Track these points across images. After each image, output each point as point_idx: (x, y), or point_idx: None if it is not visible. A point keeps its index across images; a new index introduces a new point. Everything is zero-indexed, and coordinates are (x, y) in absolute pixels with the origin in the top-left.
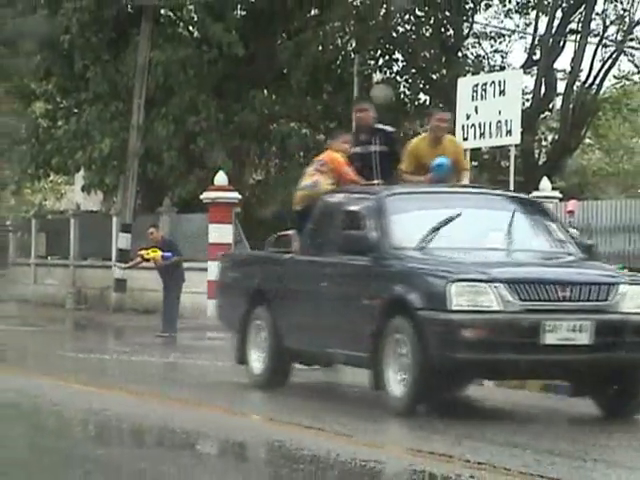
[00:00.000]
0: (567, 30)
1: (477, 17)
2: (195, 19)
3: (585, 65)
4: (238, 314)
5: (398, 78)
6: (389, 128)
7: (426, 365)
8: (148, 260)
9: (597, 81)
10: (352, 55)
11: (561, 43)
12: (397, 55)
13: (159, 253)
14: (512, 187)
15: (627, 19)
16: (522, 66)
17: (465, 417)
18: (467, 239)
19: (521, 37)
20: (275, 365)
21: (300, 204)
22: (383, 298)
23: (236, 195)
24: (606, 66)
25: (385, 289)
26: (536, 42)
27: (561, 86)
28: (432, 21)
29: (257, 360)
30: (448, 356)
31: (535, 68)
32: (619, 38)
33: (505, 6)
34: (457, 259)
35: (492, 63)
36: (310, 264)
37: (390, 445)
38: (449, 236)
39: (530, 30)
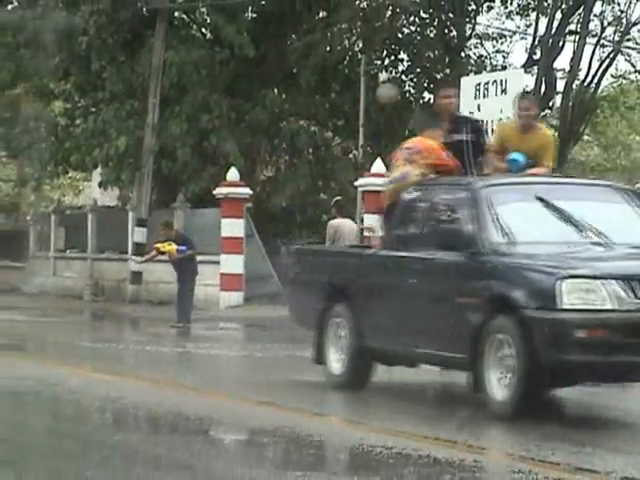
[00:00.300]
0: (566, 31)
1: (479, 19)
2: (208, 21)
3: (584, 64)
4: (314, 312)
5: (403, 77)
6: (473, 117)
7: (533, 367)
8: (163, 253)
9: (595, 80)
10: (359, 55)
11: (560, 43)
12: (402, 55)
13: (174, 247)
14: None
15: (624, 20)
16: (523, 66)
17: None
18: (568, 233)
19: (522, 38)
20: (356, 365)
21: (390, 199)
22: (483, 296)
23: (247, 191)
24: (604, 65)
25: (485, 287)
26: (536, 42)
27: (560, 85)
28: (436, 22)
29: (336, 360)
30: (558, 358)
31: (535, 67)
32: (616, 39)
33: (506, 8)
34: (565, 254)
35: (494, 63)
36: (397, 260)
37: (494, 450)
38: (549, 229)
39: (530, 31)
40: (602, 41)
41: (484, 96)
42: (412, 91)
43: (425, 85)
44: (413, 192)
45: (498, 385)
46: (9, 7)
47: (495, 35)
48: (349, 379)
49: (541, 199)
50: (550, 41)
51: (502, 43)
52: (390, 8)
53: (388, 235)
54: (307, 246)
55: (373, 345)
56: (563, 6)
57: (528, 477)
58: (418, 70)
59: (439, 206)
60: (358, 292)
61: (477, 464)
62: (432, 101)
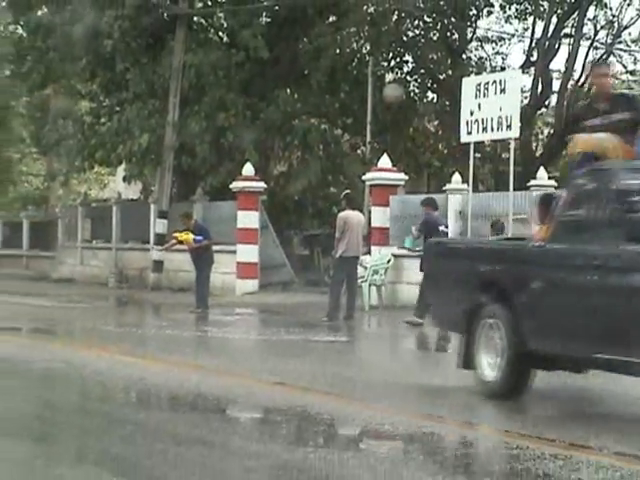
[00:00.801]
0: (561, 34)
1: (480, 22)
2: (225, 25)
3: (578, 66)
4: (462, 312)
5: (408, 78)
6: (630, 93)
7: None
8: (182, 242)
9: (589, 80)
10: (366, 57)
11: (556, 46)
12: (407, 57)
13: (191, 236)
14: (512, 177)
15: (616, 24)
16: (521, 67)
17: None
18: None
19: (520, 40)
20: (514, 370)
21: (583, 149)
22: None
23: (262, 184)
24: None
25: None
26: (533, 45)
27: (556, 85)
28: (439, 26)
29: (489, 365)
30: None
31: (532, 68)
32: (609, 41)
33: (505, 12)
34: None
35: (493, 64)
36: (572, 254)
37: (492, 428)
38: None
39: (528, 34)
40: (595, 44)
41: (484, 95)
42: (416, 91)
43: (428, 85)
44: (587, 177)
45: None
46: (39, 13)
47: (494, 38)
48: (505, 385)
49: None
50: (546, 44)
51: (501, 45)
52: (396, 13)
53: (554, 226)
54: (452, 240)
55: (538, 348)
56: (559, 11)
57: (526, 453)
58: (422, 71)
59: (627, 193)
60: (519, 291)
61: (478, 441)
62: (435, 99)
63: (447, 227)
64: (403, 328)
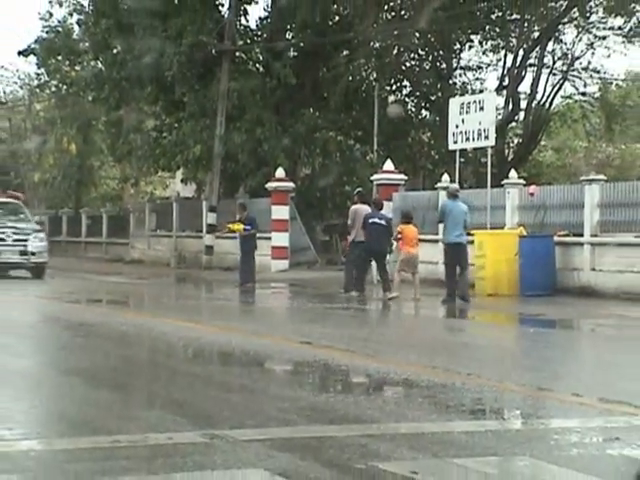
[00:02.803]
0: (527, 64)
1: (463, 54)
2: (260, 58)
3: (540, 88)
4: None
5: (406, 99)
6: None
7: None
8: (233, 231)
9: (549, 100)
10: (373, 83)
11: (523, 73)
12: (405, 82)
13: (241, 227)
14: (489, 177)
15: (569, 56)
16: (495, 90)
17: None
18: None
19: (494, 69)
20: None
21: None
22: None
23: (291, 184)
24: (555, 89)
25: None
26: (505, 72)
27: (523, 104)
28: (430, 58)
29: None
30: None
31: (504, 91)
32: (564, 69)
33: (482, 46)
34: None
35: (474, 88)
36: None
37: (479, 376)
38: None
39: (500, 64)
40: (553, 71)
41: (467, 112)
42: (413, 109)
43: (422, 105)
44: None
45: None
46: (114, 51)
47: (474, 67)
48: None
49: None
50: (515, 71)
51: (480, 73)
52: (396, 48)
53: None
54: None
55: None
56: (524, 45)
57: (503, 394)
58: (417, 93)
59: None
60: None
61: (464, 387)
62: (428, 116)
63: (380, 219)
64: (405, 296)
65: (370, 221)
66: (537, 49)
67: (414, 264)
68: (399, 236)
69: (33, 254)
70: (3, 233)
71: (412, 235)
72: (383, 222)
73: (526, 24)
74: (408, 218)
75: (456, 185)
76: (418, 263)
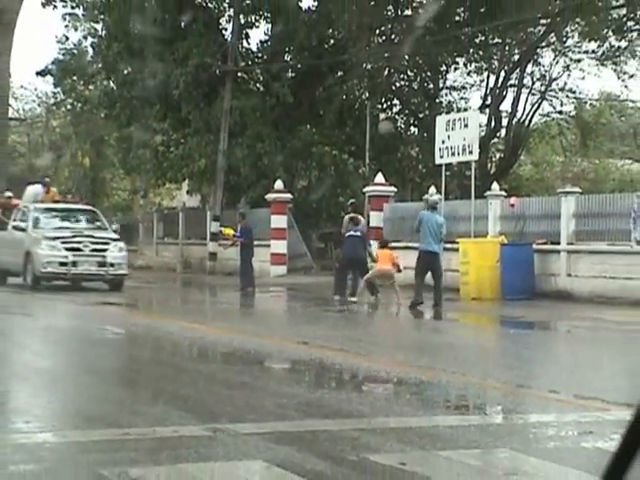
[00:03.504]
0: (508, 84)
1: (449, 76)
2: (261, 79)
3: (520, 107)
4: None
5: (396, 117)
6: None
7: None
8: (225, 235)
9: (528, 118)
10: (365, 102)
11: (504, 93)
12: (395, 101)
13: (231, 231)
14: (473, 189)
15: (547, 77)
16: (479, 108)
17: None
18: None
19: (477, 89)
20: None
21: None
22: None
23: (289, 196)
24: (534, 108)
25: None
26: (488, 92)
27: (504, 121)
28: (418, 79)
29: None
30: None
31: (487, 110)
32: (542, 89)
33: (467, 68)
34: None
35: (459, 106)
36: None
37: (464, 374)
38: None
39: (484, 84)
40: (532, 91)
41: (452, 129)
42: (402, 126)
43: (411, 122)
44: None
45: None
46: (125, 72)
47: (459, 87)
48: None
49: None
50: (497, 91)
51: (464, 92)
52: (387, 69)
53: None
54: None
55: None
56: (505, 67)
57: (486, 391)
58: (406, 111)
59: None
60: None
61: (449, 384)
62: (416, 132)
63: (355, 231)
64: (393, 300)
65: (347, 235)
66: (517, 71)
67: (388, 276)
68: (376, 258)
69: (112, 265)
70: (80, 243)
71: (386, 257)
72: (358, 233)
73: (507, 48)
74: (384, 244)
75: (436, 197)
76: (392, 275)
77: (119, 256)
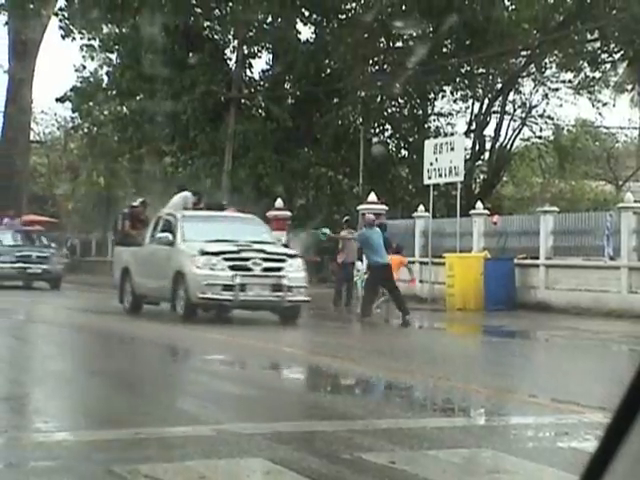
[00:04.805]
0: (491, 111)
1: (437, 103)
2: (262, 105)
3: (502, 132)
4: None
5: (388, 140)
6: None
7: None
8: None
9: (510, 142)
10: (359, 127)
11: (488, 119)
12: (387, 126)
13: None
14: (458, 208)
15: (527, 105)
16: (464, 133)
17: None
18: None
19: (463, 115)
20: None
21: None
22: None
23: (288, 213)
24: (515, 133)
25: None
26: (473, 118)
27: (488, 145)
28: (409, 106)
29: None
30: None
31: (472, 134)
32: (523, 116)
33: (453, 95)
34: None
35: (446, 131)
36: None
37: (449, 380)
38: None
39: (469, 111)
40: (514, 117)
41: (439, 152)
42: (393, 149)
43: (402, 145)
44: None
45: None
46: (137, 98)
47: (446, 113)
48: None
49: None
50: (481, 117)
51: (451, 118)
52: (379, 97)
53: None
54: None
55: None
56: (489, 95)
57: (470, 395)
58: (397, 136)
59: None
60: None
61: (436, 388)
62: (406, 155)
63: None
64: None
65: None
66: (500, 99)
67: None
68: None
69: (289, 290)
70: (248, 259)
71: (396, 262)
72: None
73: (490, 77)
74: (397, 250)
75: (372, 216)
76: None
77: (299, 277)
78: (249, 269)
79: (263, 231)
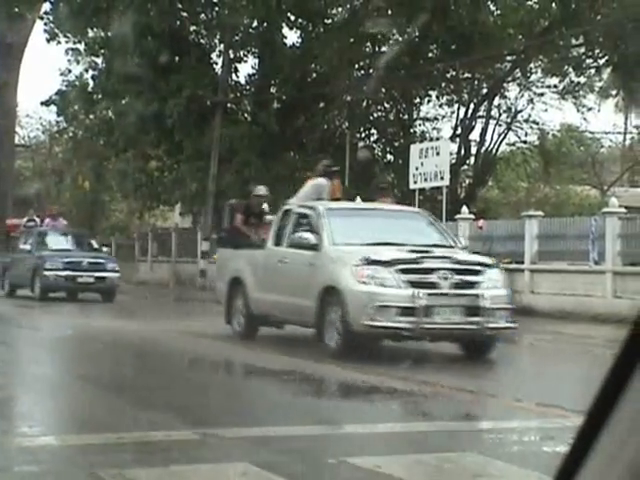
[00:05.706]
0: (477, 115)
1: (422, 107)
2: (248, 109)
3: (488, 137)
4: None
5: (374, 145)
6: None
7: None
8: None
9: (495, 147)
10: (345, 131)
11: (473, 123)
12: (373, 130)
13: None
14: (444, 212)
15: (513, 109)
16: (450, 137)
17: None
18: None
19: (449, 120)
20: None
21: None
22: None
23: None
24: (500, 138)
25: None
26: (458, 123)
27: (473, 150)
28: (394, 110)
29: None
30: None
31: (457, 139)
32: (508, 121)
33: (439, 100)
34: None
35: (431, 136)
36: None
37: (431, 384)
38: None
39: (454, 115)
40: (499, 122)
41: (425, 157)
42: (379, 154)
43: (387, 150)
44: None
45: None
46: (123, 102)
47: (432, 118)
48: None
49: None
50: (467, 122)
51: (436, 123)
52: (365, 101)
53: None
54: None
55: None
56: (474, 100)
57: (455, 399)
58: (383, 140)
59: None
60: None
61: (421, 393)
62: (392, 159)
63: None
64: None
65: None
66: (485, 103)
67: None
68: None
69: (490, 313)
70: (432, 272)
71: None
72: None
73: (476, 82)
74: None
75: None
76: None
77: (501, 296)
78: (435, 285)
79: (437, 231)
